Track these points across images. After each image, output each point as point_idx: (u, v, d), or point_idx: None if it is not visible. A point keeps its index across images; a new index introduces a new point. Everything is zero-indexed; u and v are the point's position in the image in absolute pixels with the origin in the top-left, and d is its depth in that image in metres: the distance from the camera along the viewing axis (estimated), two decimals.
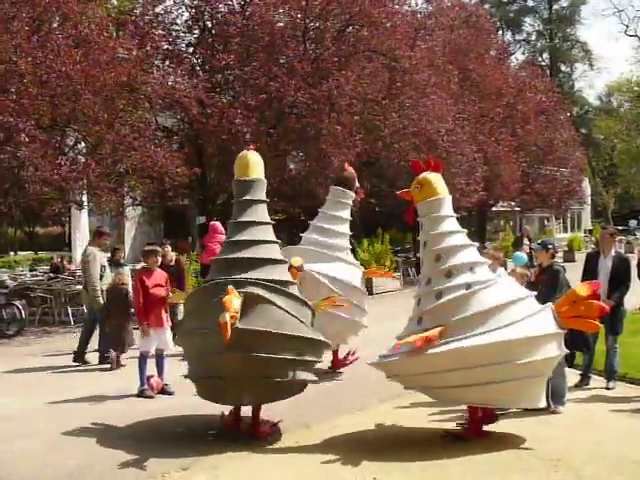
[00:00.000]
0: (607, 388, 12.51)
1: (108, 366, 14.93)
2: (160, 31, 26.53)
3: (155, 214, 33.17)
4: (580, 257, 46.94)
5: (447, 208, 10.02)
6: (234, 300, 9.04)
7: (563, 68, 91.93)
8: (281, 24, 28.60)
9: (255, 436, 9.94)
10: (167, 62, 26.80)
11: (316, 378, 10.25)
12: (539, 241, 13.53)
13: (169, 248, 16.18)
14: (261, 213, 10.34)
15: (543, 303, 9.94)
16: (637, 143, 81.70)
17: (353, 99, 26.69)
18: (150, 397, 12.29)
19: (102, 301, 15.32)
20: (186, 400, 12.03)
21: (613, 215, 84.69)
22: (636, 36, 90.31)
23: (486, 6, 79.68)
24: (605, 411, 11.27)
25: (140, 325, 12.48)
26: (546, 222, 60.19)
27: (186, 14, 27.98)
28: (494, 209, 49.69)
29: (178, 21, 27.82)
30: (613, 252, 12.92)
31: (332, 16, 28.15)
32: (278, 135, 27.14)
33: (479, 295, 9.43)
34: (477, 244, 10.67)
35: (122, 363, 14.96)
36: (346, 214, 13.92)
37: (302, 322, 9.78)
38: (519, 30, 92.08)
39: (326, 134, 26.38)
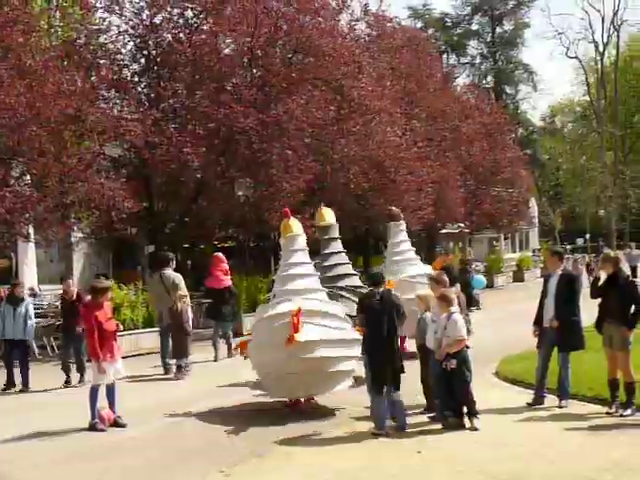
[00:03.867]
0: (559, 407, 12.60)
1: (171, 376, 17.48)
2: (105, 61, 26.40)
3: (103, 244, 32.87)
4: (528, 277, 47.76)
5: (298, 243, 13.70)
6: None
7: (507, 90, 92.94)
8: (228, 51, 28.63)
9: None
10: (113, 92, 26.65)
11: None
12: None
13: (71, 282, 16.98)
14: (337, 245, 16.57)
15: None
16: (581, 163, 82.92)
17: (303, 124, 26.73)
18: (102, 430, 12.15)
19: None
20: (139, 432, 11.95)
21: (560, 234, 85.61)
22: (576, 58, 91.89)
23: (430, 30, 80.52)
24: (558, 429, 11.35)
25: (95, 362, 12.34)
26: (494, 242, 60.68)
27: (131, 43, 27.86)
28: (443, 231, 49.97)
29: (123, 50, 27.67)
30: (559, 271, 13.05)
31: (279, 44, 28.24)
32: (227, 162, 27.10)
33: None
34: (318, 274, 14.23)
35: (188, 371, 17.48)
36: (404, 236, 19.48)
37: None
38: (463, 53, 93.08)
39: (276, 160, 26.41)
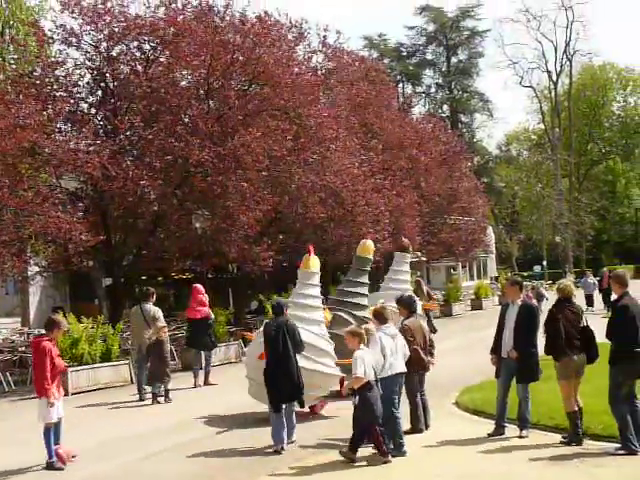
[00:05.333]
0: (520, 437, 12.61)
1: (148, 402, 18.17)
2: (62, 93, 26.26)
3: (60, 277, 32.58)
4: (486, 305, 47.93)
5: (313, 279, 15.84)
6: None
7: (463, 119, 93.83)
8: (184, 84, 28.61)
9: None
10: (69, 125, 26.52)
11: None
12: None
13: None
14: (364, 278, 17.97)
15: None
16: (537, 190, 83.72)
17: (259, 156, 26.71)
18: (60, 469, 11.97)
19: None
20: (103, 468, 11.80)
21: (518, 261, 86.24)
22: (531, 87, 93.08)
23: (386, 60, 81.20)
24: (520, 460, 11.36)
25: (47, 397, 12.12)
26: (452, 271, 60.93)
27: (88, 75, 27.75)
28: None
29: (80, 83, 27.55)
30: (519, 301, 13.11)
31: (235, 75, 28.26)
32: (183, 194, 27.03)
33: None
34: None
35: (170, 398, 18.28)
36: (407, 268, 21.12)
37: None
38: (419, 83, 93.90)
39: (233, 192, 26.35)
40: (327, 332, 15.64)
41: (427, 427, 13.53)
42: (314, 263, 15.95)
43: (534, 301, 32.56)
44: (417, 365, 13.13)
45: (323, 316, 16.03)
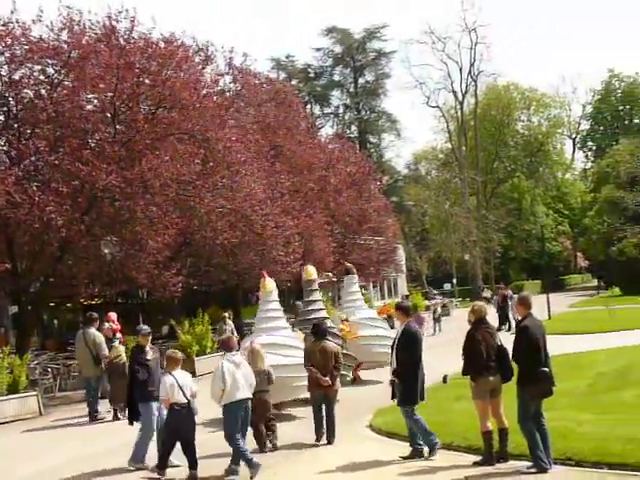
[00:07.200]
0: (428, 459, 12.56)
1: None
2: None
3: None
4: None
5: (271, 296, 18.53)
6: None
7: (371, 139, 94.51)
8: (90, 107, 28.20)
9: None
10: None
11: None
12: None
13: None
14: (316, 295, 21.05)
15: None
16: (445, 208, 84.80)
17: (168, 180, 26.48)
18: None
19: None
20: None
21: (428, 279, 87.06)
22: (437, 107, 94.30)
23: (294, 81, 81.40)
24: None
25: None
26: (363, 291, 61.12)
27: None
28: None
29: None
30: (403, 326, 13.14)
31: (142, 98, 28.00)
32: (91, 220, 26.61)
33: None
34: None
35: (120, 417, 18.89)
36: (356, 287, 25.06)
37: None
38: (327, 104, 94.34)
39: (141, 217, 26.08)
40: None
41: (329, 440, 14.18)
42: (269, 285, 18.58)
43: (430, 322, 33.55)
44: (313, 383, 14.70)
45: (288, 324, 19.34)
